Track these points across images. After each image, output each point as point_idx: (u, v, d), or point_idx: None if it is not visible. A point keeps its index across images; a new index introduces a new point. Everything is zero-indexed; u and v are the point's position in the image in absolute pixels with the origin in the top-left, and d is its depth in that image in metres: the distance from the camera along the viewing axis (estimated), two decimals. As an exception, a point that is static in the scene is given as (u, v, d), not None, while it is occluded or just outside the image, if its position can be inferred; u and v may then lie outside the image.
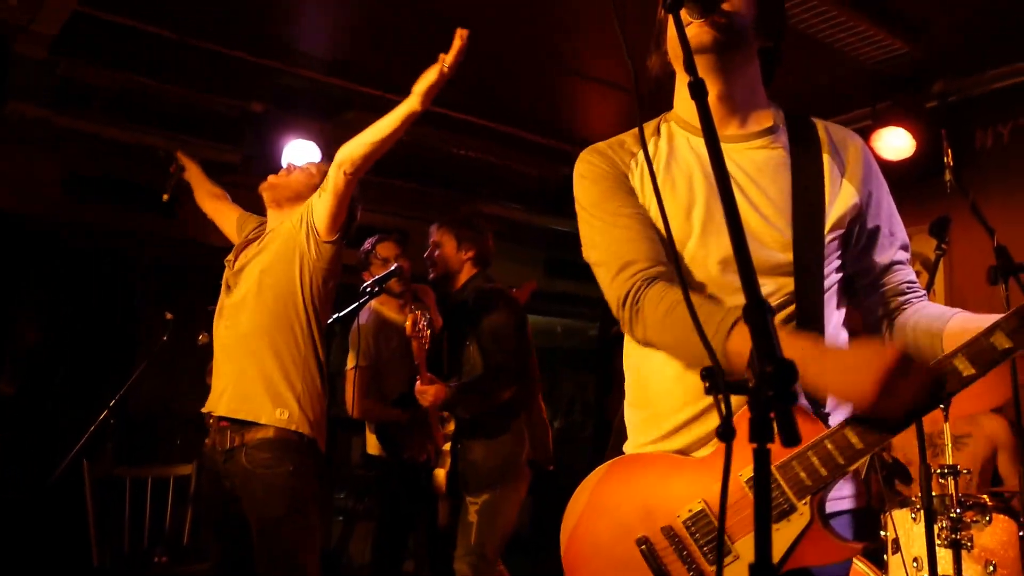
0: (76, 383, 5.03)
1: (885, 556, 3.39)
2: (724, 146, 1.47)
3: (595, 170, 1.59)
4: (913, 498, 3.26)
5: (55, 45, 4.12)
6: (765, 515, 0.93)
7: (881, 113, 4.52)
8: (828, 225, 1.48)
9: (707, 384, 0.99)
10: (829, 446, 1.33)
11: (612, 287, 1.50)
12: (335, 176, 2.64)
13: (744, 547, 1.37)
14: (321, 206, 2.69)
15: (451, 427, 3.58)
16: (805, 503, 1.34)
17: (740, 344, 1.28)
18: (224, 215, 3.22)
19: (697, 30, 1.45)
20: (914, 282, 1.57)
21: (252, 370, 2.66)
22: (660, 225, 1.49)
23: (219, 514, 2.73)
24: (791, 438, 0.93)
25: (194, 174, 3.34)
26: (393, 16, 4.00)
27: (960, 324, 1.43)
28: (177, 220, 5.31)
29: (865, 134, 4.50)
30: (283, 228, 2.79)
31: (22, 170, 5.05)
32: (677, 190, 1.52)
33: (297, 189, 2.87)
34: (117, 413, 3.92)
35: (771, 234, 1.46)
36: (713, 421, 1.42)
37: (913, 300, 1.55)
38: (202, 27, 4.08)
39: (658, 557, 1.43)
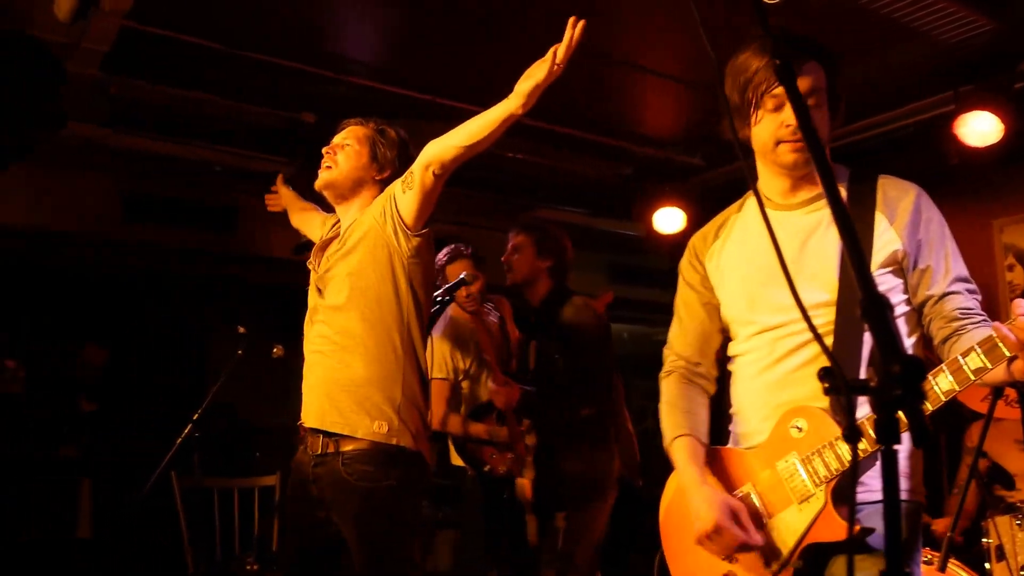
0: (150, 399, 5.12)
1: (988, 564, 3.25)
2: (784, 213, 1.88)
3: (681, 268, 2.10)
4: (1018, 503, 3.17)
5: (106, 63, 4.11)
6: (895, 516, 0.98)
7: (964, 97, 4.24)
8: (874, 265, 1.76)
9: (826, 384, 1.02)
10: (841, 445, 1.68)
11: (663, 354, 2.15)
12: (422, 176, 2.47)
13: (778, 521, 1.78)
14: (407, 202, 2.52)
15: (531, 439, 3.50)
16: (821, 490, 1.71)
17: (673, 455, 1.98)
18: (310, 224, 3.12)
19: (788, 156, 1.81)
20: (970, 309, 1.74)
21: (346, 379, 2.52)
22: (735, 294, 1.97)
23: (303, 521, 2.60)
24: (922, 437, 0.96)
25: (287, 198, 3.29)
26: (439, 19, 3.91)
27: None
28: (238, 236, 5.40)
29: (948, 120, 4.25)
30: (364, 223, 2.62)
31: (81, 192, 5.13)
32: (754, 256, 1.94)
33: (354, 176, 2.71)
34: (201, 426, 3.97)
35: (818, 279, 1.79)
36: (770, 425, 1.83)
37: (968, 326, 1.71)
38: (250, 38, 4.03)
39: None
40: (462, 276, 3.62)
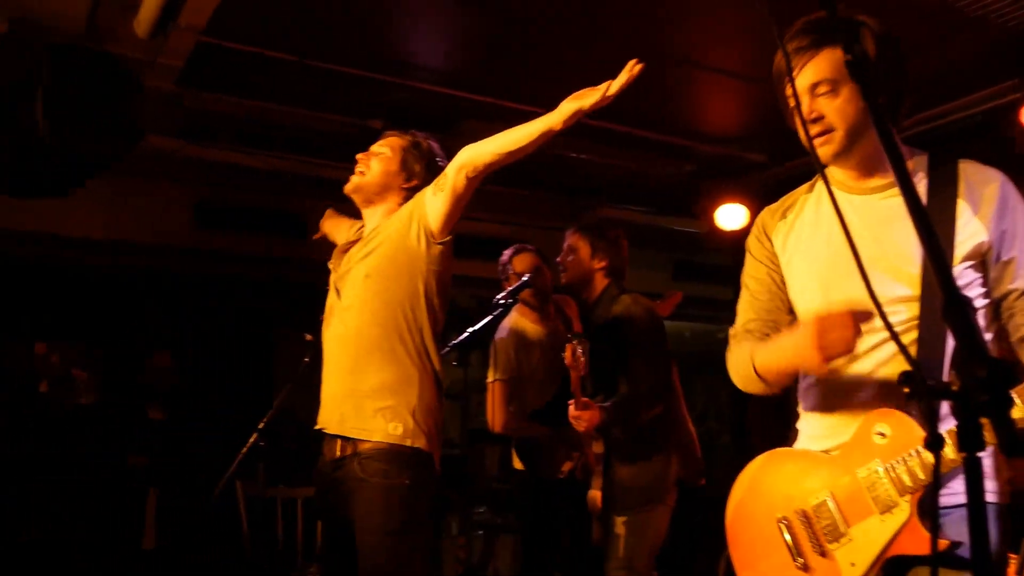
0: (218, 407, 5.21)
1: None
2: (860, 198, 1.78)
3: (749, 244, 2.00)
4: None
5: (181, 77, 4.25)
6: (981, 528, 0.92)
7: (1030, 85, 4.17)
8: (957, 259, 1.66)
9: (907, 390, 0.98)
10: (927, 453, 1.57)
11: (729, 332, 2.02)
12: (455, 178, 2.51)
13: (858, 531, 1.68)
14: (436, 205, 2.57)
15: (598, 447, 3.50)
16: (906, 500, 1.62)
17: (760, 357, 1.82)
18: (338, 228, 3.14)
19: (818, 151, 1.72)
20: None
21: (363, 382, 2.57)
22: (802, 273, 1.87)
23: (332, 524, 2.66)
24: (1013, 446, 0.88)
25: (330, 226, 3.25)
26: (505, 23, 3.95)
27: None
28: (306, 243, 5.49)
29: (1013, 108, 4.17)
30: (389, 227, 2.68)
31: (155, 203, 5.28)
32: (828, 242, 1.82)
33: (381, 181, 2.77)
34: (266, 435, 3.99)
35: (899, 271, 1.68)
36: (849, 431, 1.73)
37: None
38: (319, 48, 4.12)
39: (793, 533, 1.77)
40: (525, 278, 3.65)
